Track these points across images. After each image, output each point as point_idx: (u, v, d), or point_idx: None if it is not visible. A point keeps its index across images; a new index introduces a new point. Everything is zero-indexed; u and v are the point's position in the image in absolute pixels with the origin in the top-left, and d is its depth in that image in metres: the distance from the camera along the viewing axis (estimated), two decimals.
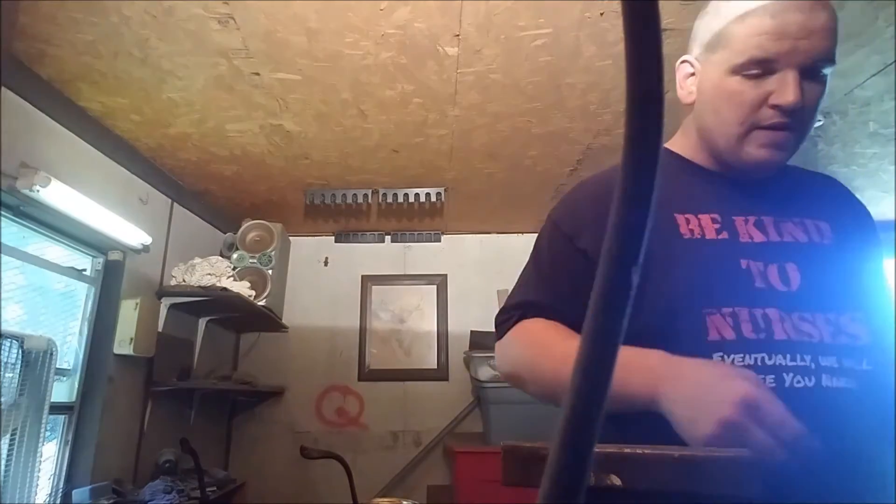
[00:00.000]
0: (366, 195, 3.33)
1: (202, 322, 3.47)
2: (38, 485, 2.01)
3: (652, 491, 0.46)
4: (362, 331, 3.96)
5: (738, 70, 0.79)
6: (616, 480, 0.45)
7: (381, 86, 2.23)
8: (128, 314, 2.61)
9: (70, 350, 2.53)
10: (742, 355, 0.74)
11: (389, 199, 3.36)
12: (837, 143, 2.71)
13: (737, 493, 0.46)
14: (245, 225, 3.60)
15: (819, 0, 0.77)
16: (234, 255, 3.46)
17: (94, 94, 2.27)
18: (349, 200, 3.33)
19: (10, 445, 1.91)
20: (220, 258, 3.25)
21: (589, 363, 0.20)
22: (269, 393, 3.78)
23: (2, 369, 1.85)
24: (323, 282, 4.07)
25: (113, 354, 2.59)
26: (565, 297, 0.86)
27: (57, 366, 2.11)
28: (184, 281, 3.02)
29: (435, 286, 4.08)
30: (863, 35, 1.90)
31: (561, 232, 0.90)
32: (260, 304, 3.35)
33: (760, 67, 0.78)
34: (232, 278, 3.19)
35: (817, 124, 2.36)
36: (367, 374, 3.90)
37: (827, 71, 0.79)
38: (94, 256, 2.68)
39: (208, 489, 2.71)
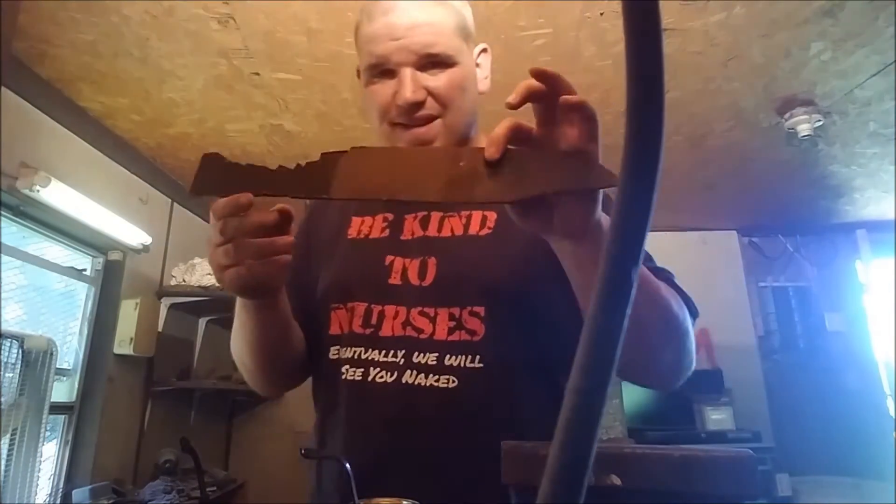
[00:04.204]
0: None
1: (202, 322, 3.47)
2: (38, 485, 2.01)
3: (652, 491, 0.46)
4: None
5: (367, 75, 0.79)
6: (616, 480, 0.45)
7: None
8: (128, 314, 2.61)
9: (70, 350, 2.53)
10: (347, 348, 0.77)
11: None
12: (837, 143, 2.71)
13: (737, 493, 0.46)
14: None
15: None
16: None
17: (94, 94, 2.27)
18: None
19: (10, 445, 1.91)
20: None
21: (589, 363, 0.20)
22: None
23: (2, 369, 1.85)
24: None
25: (113, 354, 2.59)
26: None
27: (57, 366, 2.11)
28: (184, 281, 3.02)
29: None
30: (863, 35, 1.90)
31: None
32: None
33: (380, 70, 0.77)
34: None
35: (817, 124, 2.35)
36: None
37: (450, 55, 0.76)
38: (94, 256, 2.68)
39: (208, 489, 2.71)
